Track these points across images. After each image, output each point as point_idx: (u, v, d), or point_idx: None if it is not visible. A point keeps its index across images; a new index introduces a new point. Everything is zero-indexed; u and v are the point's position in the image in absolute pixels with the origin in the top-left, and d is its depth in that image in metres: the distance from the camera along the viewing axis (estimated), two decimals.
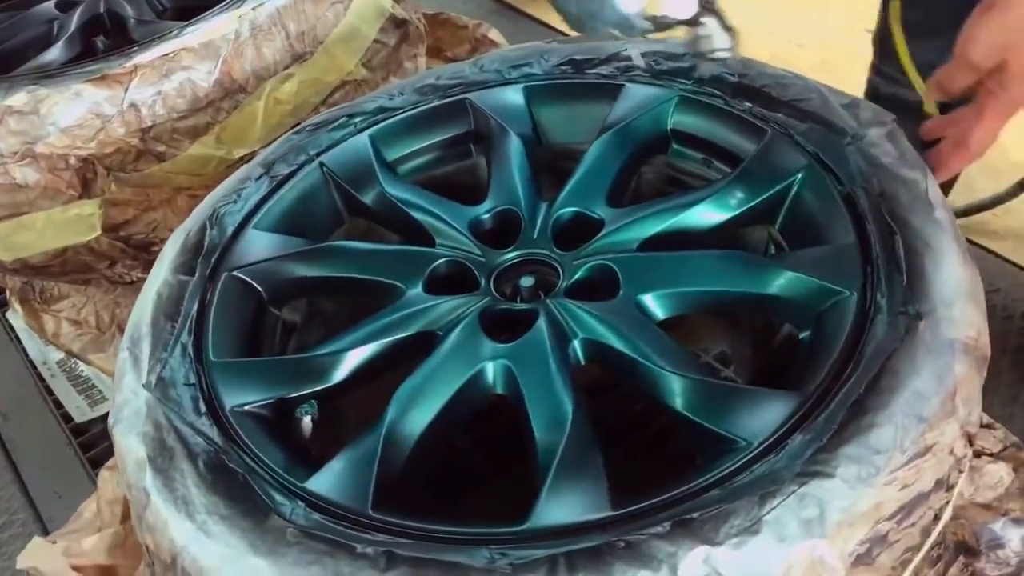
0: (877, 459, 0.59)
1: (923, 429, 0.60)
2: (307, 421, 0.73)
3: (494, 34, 1.72)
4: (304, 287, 0.89)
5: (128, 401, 0.74)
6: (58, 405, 1.48)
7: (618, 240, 0.84)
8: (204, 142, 1.30)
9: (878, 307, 0.68)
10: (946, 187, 1.40)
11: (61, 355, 1.54)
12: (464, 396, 0.72)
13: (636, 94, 0.97)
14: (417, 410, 0.70)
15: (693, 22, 0.84)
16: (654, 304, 0.77)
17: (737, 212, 0.84)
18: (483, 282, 0.83)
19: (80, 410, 1.46)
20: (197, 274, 0.85)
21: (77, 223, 1.30)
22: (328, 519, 0.63)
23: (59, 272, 1.37)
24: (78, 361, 1.53)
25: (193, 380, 0.75)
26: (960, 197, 1.63)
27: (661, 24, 0.83)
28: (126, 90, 1.24)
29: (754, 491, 0.58)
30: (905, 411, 0.61)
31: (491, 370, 0.73)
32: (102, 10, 1.50)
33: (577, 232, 0.86)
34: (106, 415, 0.91)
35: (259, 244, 0.89)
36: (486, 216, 0.90)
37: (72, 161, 1.26)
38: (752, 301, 0.77)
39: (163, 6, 1.59)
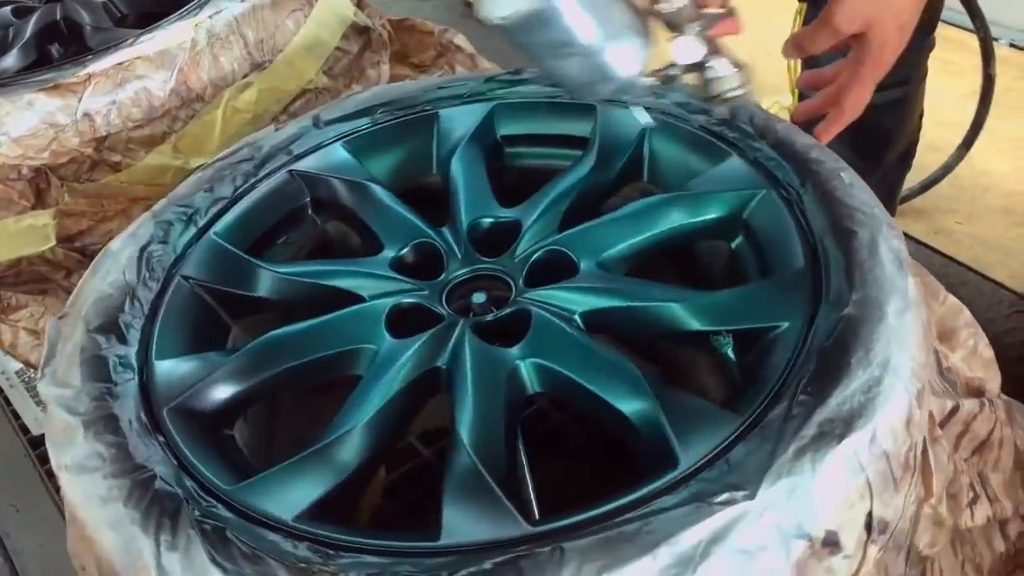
0: None
1: None
2: None
3: (460, 40, 1.64)
4: (251, 398, 0.81)
5: None
6: (16, 416, 1.39)
7: (539, 230, 0.88)
8: (161, 151, 1.25)
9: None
10: (901, 173, 1.57)
11: (19, 365, 1.43)
12: (511, 404, 0.72)
13: (454, 116, 1.02)
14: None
15: (701, 66, 0.79)
16: (616, 261, 0.83)
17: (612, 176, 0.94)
18: (444, 311, 0.82)
19: (38, 421, 1.36)
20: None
21: (31, 234, 1.26)
22: None
23: (14, 283, 1.33)
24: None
25: None
26: (913, 177, 1.71)
27: (665, 77, 0.79)
28: (80, 99, 1.21)
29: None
30: None
31: (524, 371, 0.74)
32: (58, 17, 1.46)
33: (499, 238, 0.88)
34: None
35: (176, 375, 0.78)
36: (405, 252, 0.89)
37: (25, 171, 1.23)
38: (686, 231, 0.86)
39: (121, 13, 1.54)
